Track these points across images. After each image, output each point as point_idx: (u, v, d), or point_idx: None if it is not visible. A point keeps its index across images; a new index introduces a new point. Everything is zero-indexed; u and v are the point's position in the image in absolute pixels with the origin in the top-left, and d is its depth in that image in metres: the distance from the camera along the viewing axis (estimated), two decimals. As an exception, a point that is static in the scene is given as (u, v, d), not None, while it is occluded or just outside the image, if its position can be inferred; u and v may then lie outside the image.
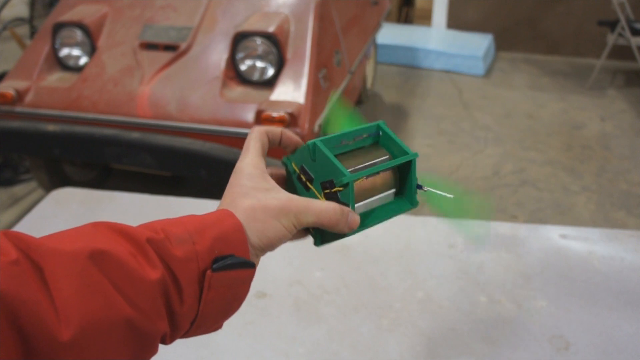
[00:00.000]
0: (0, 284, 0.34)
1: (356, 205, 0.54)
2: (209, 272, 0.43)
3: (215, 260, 0.44)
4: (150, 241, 0.42)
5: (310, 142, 0.53)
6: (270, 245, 0.49)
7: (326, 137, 0.55)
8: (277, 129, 0.56)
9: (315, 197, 0.54)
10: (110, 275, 0.39)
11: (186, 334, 0.45)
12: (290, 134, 0.57)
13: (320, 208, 0.50)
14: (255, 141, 0.54)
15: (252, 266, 0.46)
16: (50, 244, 0.39)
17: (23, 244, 0.37)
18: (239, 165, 0.53)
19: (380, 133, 0.57)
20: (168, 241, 0.42)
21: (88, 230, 0.42)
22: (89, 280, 0.38)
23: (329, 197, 0.53)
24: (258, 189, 0.50)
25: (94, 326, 0.37)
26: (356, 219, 0.53)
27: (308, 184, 0.54)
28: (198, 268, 0.43)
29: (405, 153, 0.55)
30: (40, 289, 0.36)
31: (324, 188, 0.53)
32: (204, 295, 0.43)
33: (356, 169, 0.54)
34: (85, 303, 0.37)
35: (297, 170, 0.55)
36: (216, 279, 0.43)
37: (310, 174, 0.54)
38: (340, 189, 0.52)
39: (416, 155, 0.55)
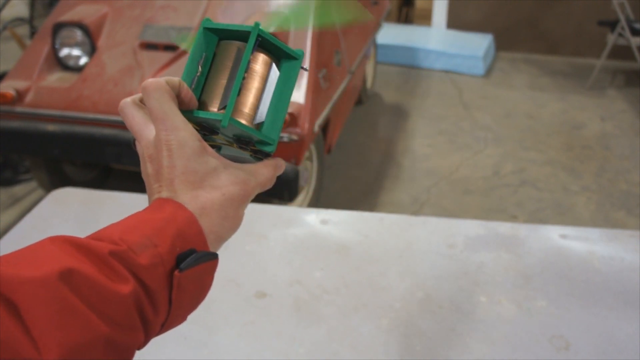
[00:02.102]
0: None
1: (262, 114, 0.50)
2: (176, 273, 0.42)
3: (179, 259, 0.42)
4: (114, 254, 0.40)
5: (203, 114, 0.47)
6: (232, 233, 0.48)
7: (185, 76, 0.49)
8: (174, 80, 0.48)
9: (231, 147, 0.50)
10: (82, 295, 0.37)
11: (156, 335, 0.44)
12: (187, 88, 0.48)
13: (266, 179, 0.49)
14: (170, 102, 0.46)
15: (215, 257, 0.45)
16: (17, 272, 0.36)
17: None
18: (174, 139, 0.45)
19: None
20: (131, 251, 0.41)
21: (50, 249, 0.39)
22: (62, 304, 0.36)
23: (244, 147, 0.50)
24: (209, 172, 0.46)
25: (74, 351, 0.36)
26: (283, 164, 0.52)
27: (217, 137, 0.50)
28: (165, 270, 0.41)
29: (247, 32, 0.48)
30: (16, 325, 0.34)
31: (238, 143, 0.50)
32: (173, 296, 0.42)
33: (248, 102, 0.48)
34: (63, 330, 0.36)
35: (196, 127, 0.49)
36: (184, 278, 0.42)
37: (216, 130, 0.49)
38: (263, 150, 0.50)
39: (257, 24, 0.48)
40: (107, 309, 0.38)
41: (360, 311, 0.96)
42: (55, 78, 2.64)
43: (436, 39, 5.89)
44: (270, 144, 0.50)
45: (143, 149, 0.49)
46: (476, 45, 5.51)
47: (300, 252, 1.11)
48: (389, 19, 5.11)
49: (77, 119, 2.46)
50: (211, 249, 0.46)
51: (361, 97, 4.36)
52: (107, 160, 2.51)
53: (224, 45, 0.50)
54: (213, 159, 0.47)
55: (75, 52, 2.68)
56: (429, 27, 6.29)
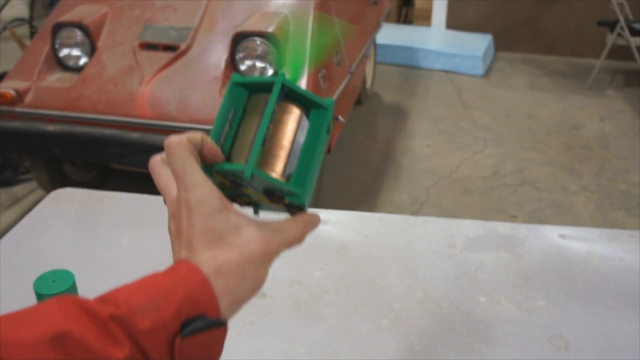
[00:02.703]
0: None
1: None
2: (178, 339, 0.40)
3: (184, 324, 0.40)
4: (114, 317, 0.39)
5: (232, 168, 0.47)
6: (251, 294, 0.45)
7: (215, 134, 0.49)
8: (197, 136, 0.47)
9: (258, 199, 0.50)
10: (74, 359, 0.36)
11: None
12: (211, 142, 0.48)
13: (293, 236, 0.48)
14: (190, 159, 0.45)
15: (222, 325, 0.43)
16: (14, 333, 0.36)
17: None
18: (193, 197, 0.44)
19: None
20: (132, 314, 0.39)
21: (51, 310, 0.39)
22: None
23: (275, 200, 0.49)
24: (228, 230, 0.44)
25: None
26: (317, 220, 0.50)
27: (248, 191, 0.49)
28: (167, 336, 0.40)
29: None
30: None
31: (269, 196, 0.49)
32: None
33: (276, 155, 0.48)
34: None
35: (226, 182, 0.49)
36: (186, 345, 0.40)
37: (242, 183, 0.48)
38: (298, 206, 0.49)
39: (282, 75, 0.47)
40: None
41: (360, 311, 0.96)
42: (55, 78, 2.64)
43: (436, 39, 5.89)
44: (298, 195, 0.48)
45: (167, 206, 0.48)
46: (475, 45, 5.51)
47: (300, 252, 1.11)
48: (388, 19, 5.11)
49: (77, 119, 2.46)
50: (226, 313, 0.44)
51: (361, 97, 4.37)
52: (107, 161, 2.51)
53: (254, 99, 0.50)
54: (234, 216, 0.45)
55: (75, 52, 2.68)
56: (429, 27, 6.29)
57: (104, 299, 0.41)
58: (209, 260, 0.44)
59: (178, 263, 0.44)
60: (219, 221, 0.44)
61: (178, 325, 0.40)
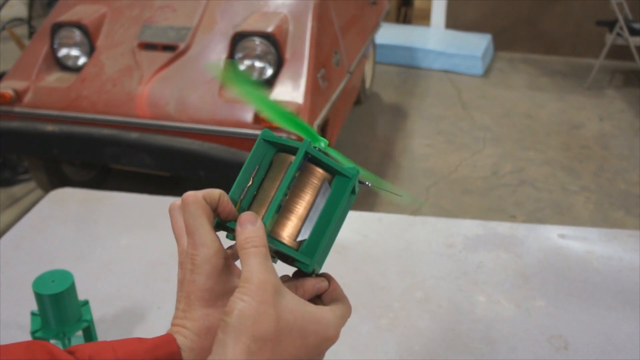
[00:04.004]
0: None
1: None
2: None
3: None
4: None
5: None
6: None
7: (235, 194, 0.49)
8: (214, 194, 0.48)
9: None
10: None
11: None
12: (227, 200, 0.48)
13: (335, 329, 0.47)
14: (202, 218, 0.47)
15: None
16: None
17: None
18: (199, 255, 0.46)
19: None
20: None
21: (21, 352, 0.41)
22: None
23: (286, 262, 0.50)
24: (225, 292, 0.46)
25: None
26: (324, 286, 0.50)
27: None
28: None
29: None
30: None
31: (279, 257, 0.49)
32: None
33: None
34: None
35: None
36: None
37: None
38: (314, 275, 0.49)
39: (308, 142, 0.47)
40: None
41: (359, 311, 0.96)
42: (54, 78, 2.64)
43: (435, 39, 5.89)
44: (306, 265, 0.48)
45: (178, 254, 0.49)
46: (475, 45, 5.51)
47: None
48: (387, 19, 5.11)
49: (76, 119, 2.46)
50: None
51: (360, 97, 4.37)
52: (106, 161, 2.50)
53: (280, 158, 0.50)
54: (235, 279, 0.47)
55: (74, 52, 2.68)
56: (428, 27, 6.29)
57: (72, 350, 0.43)
58: (201, 317, 0.46)
59: (163, 335, 0.46)
60: (218, 282, 0.46)
61: None
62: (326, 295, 0.50)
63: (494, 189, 3.32)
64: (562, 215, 3.04)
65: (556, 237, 1.16)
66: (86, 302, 0.83)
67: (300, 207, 0.48)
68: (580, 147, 3.88)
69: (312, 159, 0.48)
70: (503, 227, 1.20)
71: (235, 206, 0.48)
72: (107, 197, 1.31)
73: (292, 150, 0.49)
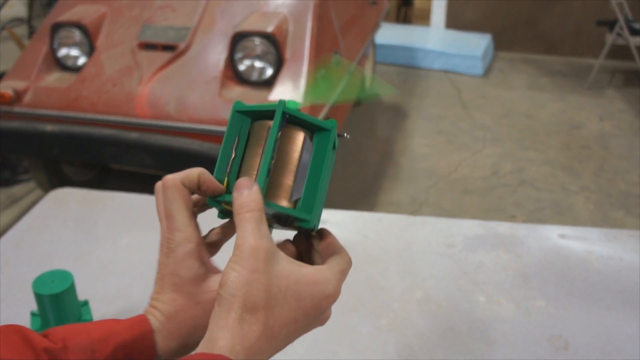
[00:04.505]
0: None
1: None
2: None
3: None
4: (47, 350, 0.43)
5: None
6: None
7: (220, 167, 0.49)
8: (193, 174, 0.48)
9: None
10: None
11: None
12: (209, 177, 0.49)
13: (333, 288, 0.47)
14: (178, 202, 0.48)
15: None
16: None
17: None
18: (173, 239, 0.47)
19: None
20: (65, 350, 0.43)
21: None
22: None
23: (284, 224, 0.50)
24: (191, 280, 0.47)
25: None
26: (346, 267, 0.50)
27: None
28: None
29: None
30: None
31: (278, 221, 0.49)
32: None
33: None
34: None
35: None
36: None
37: None
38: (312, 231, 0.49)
39: (282, 102, 0.48)
40: None
41: (359, 311, 0.96)
42: (54, 78, 2.64)
43: (435, 39, 5.89)
44: (307, 221, 0.48)
45: (160, 235, 0.51)
46: (475, 45, 5.51)
47: (299, 252, 1.11)
48: (387, 19, 5.11)
49: (76, 119, 2.46)
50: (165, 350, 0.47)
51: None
52: (106, 161, 2.50)
53: (257, 126, 0.50)
54: (204, 266, 0.48)
55: (74, 52, 2.68)
56: (428, 27, 6.29)
57: (46, 333, 0.44)
58: (170, 301, 0.48)
59: (136, 316, 0.48)
60: (186, 268, 0.47)
61: None
62: (323, 249, 0.50)
63: (494, 189, 3.32)
64: (562, 215, 3.04)
65: (556, 237, 1.16)
66: (86, 302, 0.83)
67: (289, 169, 0.48)
68: (580, 147, 3.88)
69: (289, 120, 0.48)
70: (503, 227, 1.20)
71: (222, 182, 0.48)
72: (107, 197, 1.31)
73: (268, 115, 0.49)
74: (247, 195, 0.44)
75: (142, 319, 0.47)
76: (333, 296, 0.47)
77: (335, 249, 0.50)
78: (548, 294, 1.00)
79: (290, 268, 0.44)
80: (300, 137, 0.49)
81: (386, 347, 0.89)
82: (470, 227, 1.20)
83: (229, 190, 0.48)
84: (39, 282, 0.76)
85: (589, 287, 1.02)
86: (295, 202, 0.49)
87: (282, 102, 0.47)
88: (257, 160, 0.48)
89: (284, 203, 0.48)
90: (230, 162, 0.49)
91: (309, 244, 0.51)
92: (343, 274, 0.49)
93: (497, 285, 1.03)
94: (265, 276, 0.42)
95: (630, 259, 1.09)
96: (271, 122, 0.48)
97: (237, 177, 0.49)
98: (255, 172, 0.48)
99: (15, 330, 0.44)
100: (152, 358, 0.46)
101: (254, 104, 0.49)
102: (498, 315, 0.95)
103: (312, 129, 0.51)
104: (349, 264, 0.50)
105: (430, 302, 0.98)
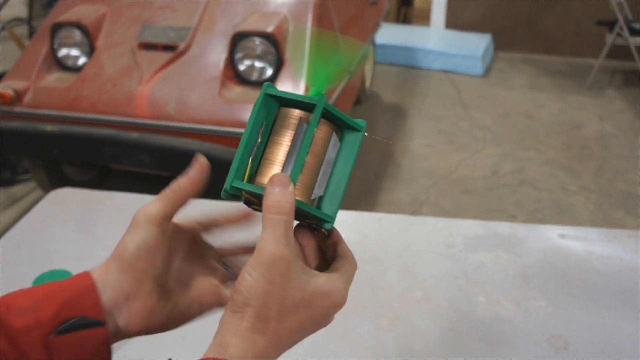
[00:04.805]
0: None
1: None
2: (50, 336, 0.43)
3: (64, 325, 0.44)
4: None
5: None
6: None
7: (241, 158, 0.46)
8: (193, 224, 0.51)
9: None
10: None
11: None
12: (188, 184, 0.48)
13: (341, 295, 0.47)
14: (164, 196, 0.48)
15: (99, 325, 0.45)
16: None
17: None
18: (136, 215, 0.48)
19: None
20: (8, 313, 0.43)
21: None
22: None
23: (300, 219, 0.48)
24: (130, 253, 0.49)
25: None
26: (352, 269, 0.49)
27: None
28: (42, 334, 0.43)
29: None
30: None
31: (296, 218, 0.46)
32: (55, 358, 0.43)
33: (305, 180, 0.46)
34: None
35: (251, 198, 0.47)
36: (60, 343, 0.43)
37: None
38: (323, 230, 0.48)
39: (324, 97, 0.45)
40: None
41: (359, 311, 0.96)
42: (54, 78, 2.64)
43: (435, 39, 5.89)
44: (328, 222, 0.47)
45: None
46: (475, 45, 5.51)
47: (299, 252, 1.10)
48: (387, 18, 5.11)
49: (76, 119, 2.46)
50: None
51: (360, 97, 4.37)
52: (106, 161, 2.50)
53: (285, 113, 0.47)
54: (132, 242, 0.48)
55: (74, 52, 2.68)
56: (428, 27, 6.29)
57: None
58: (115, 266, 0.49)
59: (76, 274, 0.48)
60: (143, 261, 0.48)
61: (54, 326, 0.43)
62: (329, 246, 0.50)
63: (494, 189, 3.32)
64: (562, 215, 3.04)
65: (556, 237, 1.16)
66: (86, 302, 0.83)
67: (316, 165, 0.47)
68: (580, 147, 3.88)
69: (324, 114, 0.46)
70: (503, 227, 1.20)
71: (245, 168, 0.46)
72: (107, 197, 1.31)
73: (297, 104, 0.47)
74: (281, 194, 0.43)
75: (84, 275, 0.47)
76: (342, 305, 0.47)
77: (343, 251, 0.49)
78: (548, 294, 1.00)
79: (305, 279, 0.44)
80: (328, 133, 0.47)
81: (386, 347, 0.89)
82: (470, 227, 1.20)
83: (250, 178, 0.47)
84: (39, 281, 0.76)
85: (589, 287, 1.02)
86: (314, 200, 0.47)
87: (322, 97, 0.45)
88: (280, 149, 0.46)
89: (305, 200, 0.46)
90: (255, 147, 0.47)
91: (312, 238, 0.50)
92: (351, 279, 0.48)
93: (497, 285, 1.02)
94: (282, 288, 0.42)
95: (630, 259, 1.09)
96: (301, 113, 0.46)
97: (259, 164, 0.47)
98: (277, 162, 0.46)
99: None
100: (100, 314, 0.45)
101: (286, 91, 0.47)
102: (498, 315, 0.95)
103: (339, 125, 0.49)
104: (355, 267, 0.49)
105: (430, 302, 0.98)
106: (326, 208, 0.48)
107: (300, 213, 0.46)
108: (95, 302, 0.45)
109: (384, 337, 0.91)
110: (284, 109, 0.48)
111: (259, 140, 0.47)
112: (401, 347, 0.89)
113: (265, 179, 0.46)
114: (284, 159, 0.46)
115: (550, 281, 1.03)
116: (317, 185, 0.47)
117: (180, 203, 0.48)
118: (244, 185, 0.46)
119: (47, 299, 0.44)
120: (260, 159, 0.47)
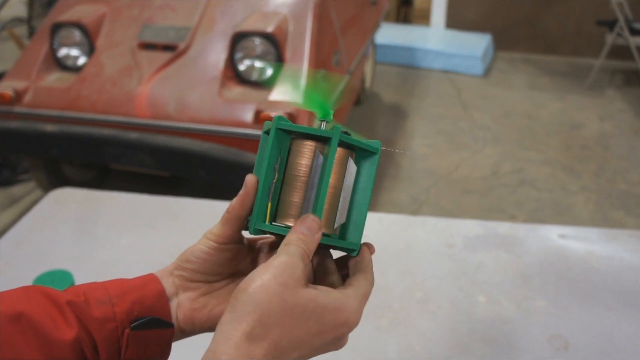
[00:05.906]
0: None
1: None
2: (127, 330, 0.46)
3: (135, 321, 0.46)
4: (70, 303, 0.45)
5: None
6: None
7: (262, 192, 0.46)
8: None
9: None
10: (26, 335, 0.42)
11: None
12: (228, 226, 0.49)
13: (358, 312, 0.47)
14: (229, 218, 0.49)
15: (168, 326, 0.48)
16: None
17: None
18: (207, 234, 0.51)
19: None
20: (87, 303, 0.46)
21: (17, 293, 0.46)
22: (8, 343, 0.41)
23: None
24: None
25: None
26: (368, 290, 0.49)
27: None
28: (116, 327, 0.46)
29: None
30: None
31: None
32: (122, 352, 0.46)
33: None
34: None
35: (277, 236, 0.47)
36: (134, 337, 0.46)
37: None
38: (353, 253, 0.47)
39: (339, 129, 0.45)
40: (47, 350, 0.43)
41: (359, 311, 0.96)
42: (54, 78, 2.64)
43: (435, 39, 5.89)
44: (354, 250, 0.47)
45: None
46: (475, 45, 5.51)
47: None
48: (387, 18, 5.11)
49: (76, 119, 2.45)
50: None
51: (360, 97, 4.36)
52: (106, 161, 2.50)
53: (299, 145, 0.46)
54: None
55: (74, 52, 2.68)
56: (428, 27, 6.29)
57: (68, 290, 0.47)
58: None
59: (145, 275, 0.51)
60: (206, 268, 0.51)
61: (127, 321, 0.46)
62: (353, 264, 0.49)
63: (494, 189, 3.32)
64: (562, 215, 3.04)
65: (556, 237, 1.16)
66: (86, 302, 0.83)
67: (333, 192, 0.46)
68: (580, 147, 3.88)
69: (339, 143, 0.45)
70: (503, 227, 1.20)
71: (266, 207, 0.46)
72: (107, 197, 1.31)
73: (309, 136, 0.46)
74: (304, 236, 0.43)
75: (152, 279, 0.49)
76: (353, 325, 0.46)
77: (363, 267, 0.49)
78: (548, 294, 1.00)
79: (316, 292, 0.42)
80: (345, 159, 0.46)
81: (386, 347, 0.89)
82: (470, 227, 1.20)
83: (272, 216, 0.46)
84: (39, 282, 0.76)
85: (589, 287, 1.02)
86: (337, 230, 0.47)
87: (337, 129, 0.44)
88: (299, 186, 0.46)
89: (328, 230, 0.46)
90: (273, 185, 0.46)
91: (325, 255, 0.50)
92: (366, 297, 0.47)
93: (497, 286, 1.02)
94: (293, 293, 0.40)
95: (630, 259, 1.09)
96: (312, 143, 0.45)
97: (278, 202, 0.47)
98: (298, 199, 0.45)
99: (35, 288, 0.46)
100: (169, 317, 0.48)
101: (297, 125, 0.46)
102: (498, 315, 0.95)
103: (353, 148, 0.48)
104: (371, 284, 0.48)
105: (430, 303, 0.98)
106: (350, 235, 0.47)
107: (325, 245, 0.46)
108: (165, 306, 0.49)
109: (384, 337, 0.91)
110: (297, 141, 0.47)
111: (276, 176, 0.46)
112: (401, 347, 0.89)
113: (288, 220, 0.46)
114: (303, 195, 0.45)
115: (550, 281, 1.03)
116: (338, 214, 0.46)
117: (235, 222, 0.48)
118: (266, 227, 0.46)
119: (122, 295, 0.47)
120: (279, 193, 0.47)
